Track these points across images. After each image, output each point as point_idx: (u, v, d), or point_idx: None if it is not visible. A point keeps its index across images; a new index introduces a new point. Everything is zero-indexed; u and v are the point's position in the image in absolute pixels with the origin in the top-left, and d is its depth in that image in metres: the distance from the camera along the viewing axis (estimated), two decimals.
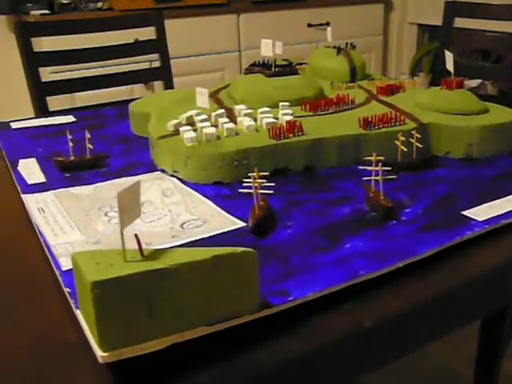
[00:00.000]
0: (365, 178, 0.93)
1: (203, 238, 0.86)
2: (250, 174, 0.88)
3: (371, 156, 0.93)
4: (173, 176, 1.12)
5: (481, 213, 0.91)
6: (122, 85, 2.13)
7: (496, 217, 0.90)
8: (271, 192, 0.88)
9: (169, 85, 1.91)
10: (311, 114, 1.23)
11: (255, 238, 0.86)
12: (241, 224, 0.91)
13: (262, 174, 0.91)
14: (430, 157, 1.16)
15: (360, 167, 0.93)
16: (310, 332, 0.60)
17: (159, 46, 2.16)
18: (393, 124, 1.15)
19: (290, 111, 1.20)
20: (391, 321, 0.70)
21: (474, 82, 2.81)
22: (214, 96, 1.39)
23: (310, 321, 0.62)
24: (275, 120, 1.15)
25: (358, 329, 0.67)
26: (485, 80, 2.73)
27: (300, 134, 1.11)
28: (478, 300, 0.81)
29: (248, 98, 1.28)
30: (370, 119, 1.14)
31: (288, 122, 1.13)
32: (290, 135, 1.11)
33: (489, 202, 0.95)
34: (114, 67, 2.02)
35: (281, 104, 1.24)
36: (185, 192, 1.05)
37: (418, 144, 1.10)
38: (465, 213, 0.92)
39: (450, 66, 1.24)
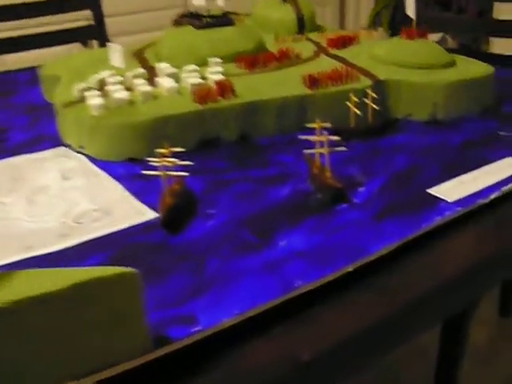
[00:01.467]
0: (307, 151, 0.72)
1: (99, 238, 0.65)
2: (157, 151, 0.66)
3: (317, 121, 0.72)
4: (79, 152, 0.89)
5: (451, 191, 0.72)
6: (49, 45, 1.87)
7: (470, 196, 0.70)
8: (185, 174, 0.66)
9: (104, 45, 1.64)
10: (247, 71, 1.01)
11: (166, 233, 0.65)
12: (151, 215, 0.69)
13: (175, 149, 0.70)
14: (389, 120, 0.96)
15: (302, 137, 0.71)
16: (225, 371, 0.41)
17: (90, 1, 1.90)
18: (344, 82, 0.94)
19: (220, 69, 0.98)
20: (337, 350, 0.51)
21: (435, 36, 2.61)
22: (138, 55, 1.15)
23: (226, 355, 0.47)
24: (202, 80, 0.93)
25: (292, 363, 0.48)
26: (446, 33, 2.52)
27: (232, 96, 0.89)
28: (448, 304, 0.62)
29: (174, 54, 1.06)
30: (316, 77, 0.93)
31: (217, 83, 0.91)
32: (220, 98, 0.89)
33: (459, 175, 0.76)
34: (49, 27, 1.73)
35: (210, 60, 1.01)
36: (90, 173, 0.83)
37: (373, 105, 0.90)
38: (431, 191, 0.73)
39: (411, 11, 1.03)
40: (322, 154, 0.74)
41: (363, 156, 0.84)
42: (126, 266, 0.43)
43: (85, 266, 0.60)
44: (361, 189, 0.74)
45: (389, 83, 0.97)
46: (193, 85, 0.91)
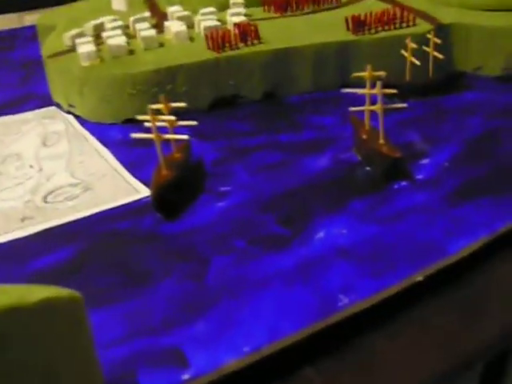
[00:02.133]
0: (353, 109, 0.53)
1: (70, 223, 0.47)
2: (151, 107, 0.48)
3: (364, 71, 0.53)
4: (69, 113, 0.71)
5: None
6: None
7: None
8: (185, 137, 0.47)
9: None
10: (277, 15, 0.81)
11: (160, 217, 0.46)
12: (144, 193, 0.51)
13: (176, 104, 0.51)
14: (454, 74, 0.75)
15: (346, 90, 0.52)
16: None
17: None
18: (397, 26, 0.74)
19: (243, 10, 0.78)
20: None
21: None
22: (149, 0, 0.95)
23: None
24: (219, 23, 0.74)
25: None
26: None
27: (256, 42, 0.70)
28: None
29: None
30: (362, 19, 0.73)
31: (238, 26, 0.71)
32: (241, 45, 0.70)
33: None
34: None
35: (232, 2, 0.81)
36: (76, 138, 0.65)
37: (437, 54, 0.69)
38: None
39: None
40: (373, 114, 0.54)
41: (426, 118, 0.64)
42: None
43: (42, 263, 0.43)
44: (425, 160, 0.54)
45: (454, 28, 0.76)
46: (207, 28, 0.72)
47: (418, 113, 0.64)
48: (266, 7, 0.85)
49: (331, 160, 0.56)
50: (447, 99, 0.70)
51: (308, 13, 0.82)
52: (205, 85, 0.68)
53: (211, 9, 0.79)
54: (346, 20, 0.74)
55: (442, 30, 0.75)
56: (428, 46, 0.70)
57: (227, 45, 0.69)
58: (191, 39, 0.73)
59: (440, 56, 0.70)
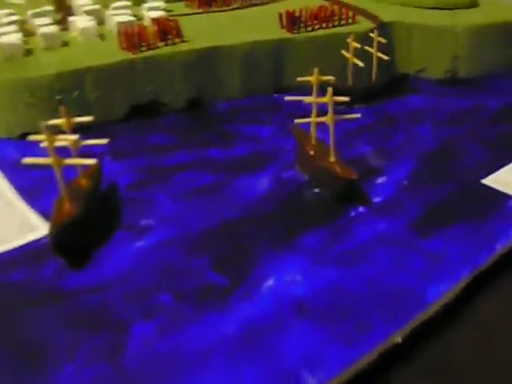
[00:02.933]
0: (299, 121, 0.44)
1: None
2: (45, 124, 0.36)
3: (307, 76, 0.44)
4: None
5: None
6: None
7: None
8: (91, 162, 0.37)
9: None
10: (200, 11, 0.71)
11: (62, 264, 0.35)
12: (43, 229, 0.40)
13: (80, 119, 0.40)
14: (397, 77, 0.68)
15: (289, 98, 0.43)
16: None
17: None
18: (336, 23, 0.66)
19: (161, 4, 0.67)
20: None
21: None
22: None
23: None
24: (134, 19, 0.63)
25: None
26: None
27: (178, 41, 0.60)
28: None
29: None
30: (298, 15, 0.64)
31: (156, 22, 0.61)
32: (160, 44, 0.59)
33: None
34: None
35: None
36: None
37: (381, 55, 0.62)
38: (487, 182, 0.45)
39: None
40: (320, 125, 0.46)
41: (374, 127, 0.56)
42: None
43: None
44: (381, 178, 0.46)
45: (396, 27, 0.69)
46: (120, 24, 0.61)
47: (365, 121, 0.56)
48: (188, 1, 0.74)
49: (272, 180, 0.47)
50: (393, 105, 0.62)
51: (235, 8, 0.73)
52: (119, 91, 0.57)
53: (125, 2, 0.68)
54: (280, 16, 0.65)
55: (383, 28, 0.68)
56: (371, 45, 0.63)
57: (144, 44, 0.58)
58: (101, 37, 0.62)
59: (385, 57, 0.62)
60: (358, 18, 0.68)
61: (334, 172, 0.43)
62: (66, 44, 0.60)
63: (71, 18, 0.63)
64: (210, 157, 0.51)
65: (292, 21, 0.64)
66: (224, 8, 0.72)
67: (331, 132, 0.44)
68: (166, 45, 0.60)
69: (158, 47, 0.59)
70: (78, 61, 0.57)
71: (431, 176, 0.48)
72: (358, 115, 0.45)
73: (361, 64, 0.60)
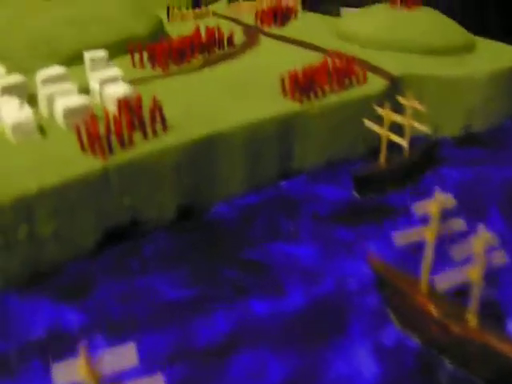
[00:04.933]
0: (401, 236, 0.27)
1: None
2: None
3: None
4: None
5: None
6: None
7: None
8: None
9: None
10: (162, 74, 0.52)
11: None
12: None
13: None
14: (430, 146, 0.54)
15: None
16: None
17: None
18: (347, 83, 0.50)
19: (116, 71, 0.47)
20: None
21: None
22: None
23: None
24: (85, 100, 0.43)
25: None
26: None
27: (163, 129, 0.41)
28: None
29: (11, 48, 0.52)
30: (303, 78, 0.48)
31: (124, 104, 0.41)
32: (135, 140, 0.40)
33: None
34: None
35: (88, 56, 0.50)
36: None
37: (419, 125, 0.47)
38: None
39: None
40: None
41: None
42: None
43: None
44: None
45: (407, 81, 0.55)
46: (68, 111, 0.41)
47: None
48: (136, 60, 0.55)
49: (372, 354, 0.30)
50: (429, 181, 0.48)
51: (204, 66, 0.55)
52: (85, 216, 0.37)
53: (58, 69, 0.47)
54: (282, 82, 0.48)
55: (395, 84, 0.53)
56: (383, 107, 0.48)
57: (118, 141, 0.39)
58: (43, 133, 0.41)
59: (424, 128, 0.47)
60: (362, 71, 0.53)
61: (497, 349, 0.27)
62: None
63: None
64: (253, 315, 0.33)
65: (299, 86, 0.47)
66: (187, 66, 0.54)
67: (480, 268, 0.28)
68: (145, 139, 0.40)
69: (132, 144, 0.40)
70: (21, 182, 0.36)
71: None
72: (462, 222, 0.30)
73: (404, 143, 0.44)
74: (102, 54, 0.50)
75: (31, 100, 0.46)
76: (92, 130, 0.37)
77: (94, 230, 0.39)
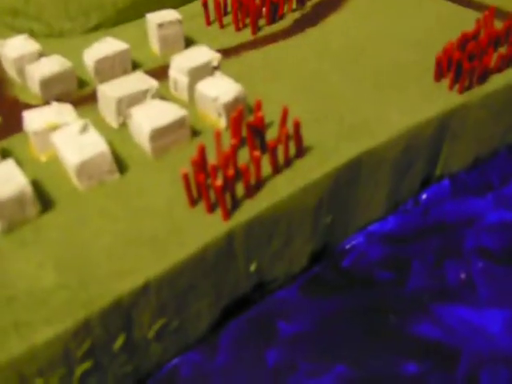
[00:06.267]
0: None
1: None
2: None
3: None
4: None
5: None
6: None
7: None
8: None
9: None
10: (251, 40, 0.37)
11: None
12: None
13: None
14: None
15: None
16: None
17: None
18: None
19: (208, 53, 0.32)
20: None
21: None
22: None
23: None
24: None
25: None
26: None
27: (297, 155, 0.27)
28: None
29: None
30: (461, 56, 0.33)
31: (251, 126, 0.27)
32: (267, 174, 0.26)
33: None
34: None
35: (154, 20, 0.35)
36: None
37: None
38: None
39: None
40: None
41: None
42: None
43: None
44: None
45: None
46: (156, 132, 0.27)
47: None
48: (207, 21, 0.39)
49: None
50: None
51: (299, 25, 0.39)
52: (200, 299, 0.25)
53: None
54: (438, 61, 0.33)
55: None
56: None
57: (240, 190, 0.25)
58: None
59: None
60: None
61: None
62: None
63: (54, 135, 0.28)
64: None
65: (463, 71, 0.33)
66: (279, 27, 0.39)
67: None
68: (277, 172, 0.27)
69: (261, 187, 0.26)
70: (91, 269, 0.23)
71: None
72: None
73: None
74: (173, 15, 0.34)
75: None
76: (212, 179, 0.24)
77: (209, 312, 0.26)
